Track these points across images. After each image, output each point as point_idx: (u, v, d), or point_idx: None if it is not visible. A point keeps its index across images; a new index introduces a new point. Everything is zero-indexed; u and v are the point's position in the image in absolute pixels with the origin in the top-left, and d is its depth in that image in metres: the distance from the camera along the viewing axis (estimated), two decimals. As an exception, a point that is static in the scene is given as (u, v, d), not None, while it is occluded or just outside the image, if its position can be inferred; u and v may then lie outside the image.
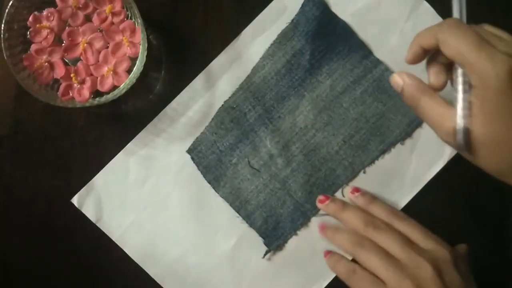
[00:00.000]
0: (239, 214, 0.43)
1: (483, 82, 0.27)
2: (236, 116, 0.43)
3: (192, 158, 0.43)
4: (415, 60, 0.32)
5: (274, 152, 0.42)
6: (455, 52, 0.28)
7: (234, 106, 0.43)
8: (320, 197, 0.42)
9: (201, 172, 0.43)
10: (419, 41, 0.31)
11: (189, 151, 0.43)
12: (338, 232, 0.39)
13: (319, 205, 0.42)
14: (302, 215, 0.42)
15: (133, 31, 0.38)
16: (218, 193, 0.43)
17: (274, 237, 0.42)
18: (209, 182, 0.43)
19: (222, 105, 0.43)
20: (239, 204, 0.43)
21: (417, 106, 0.31)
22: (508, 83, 0.26)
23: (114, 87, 0.38)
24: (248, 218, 0.43)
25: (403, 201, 0.42)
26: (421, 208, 0.42)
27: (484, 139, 0.28)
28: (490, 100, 0.27)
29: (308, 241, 0.42)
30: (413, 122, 0.42)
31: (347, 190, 0.42)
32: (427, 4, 0.42)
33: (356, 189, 0.42)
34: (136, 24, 0.38)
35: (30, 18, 0.37)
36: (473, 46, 0.27)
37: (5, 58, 0.36)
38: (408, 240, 0.37)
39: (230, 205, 0.43)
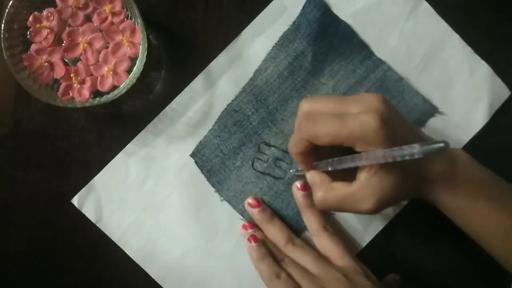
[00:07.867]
0: (243, 217, 0.43)
1: (367, 143, 0.30)
2: (239, 119, 0.42)
3: (196, 162, 0.43)
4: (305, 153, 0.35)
5: (278, 154, 0.42)
6: (328, 139, 0.32)
7: (237, 109, 0.42)
8: (251, 200, 0.41)
9: (204, 175, 0.43)
10: (297, 150, 0.35)
11: (193, 154, 0.43)
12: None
13: (247, 207, 0.41)
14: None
15: (133, 31, 0.38)
16: (222, 196, 0.43)
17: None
18: (213, 186, 0.43)
19: (225, 108, 0.42)
20: (243, 207, 0.42)
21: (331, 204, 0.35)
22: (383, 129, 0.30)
23: (114, 87, 0.38)
24: (252, 220, 0.42)
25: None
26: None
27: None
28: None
29: (312, 242, 0.42)
30: (416, 122, 0.42)
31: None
32: (427, 4, 0.42)
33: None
34: (136, 24, 0.38)
35: (30, 18, 0.37)
36: (336, 126, 0.31)
37: (5, 58, 0.36)
38: (320, 256, 0.39)
39: (234, 208, 0.43)
